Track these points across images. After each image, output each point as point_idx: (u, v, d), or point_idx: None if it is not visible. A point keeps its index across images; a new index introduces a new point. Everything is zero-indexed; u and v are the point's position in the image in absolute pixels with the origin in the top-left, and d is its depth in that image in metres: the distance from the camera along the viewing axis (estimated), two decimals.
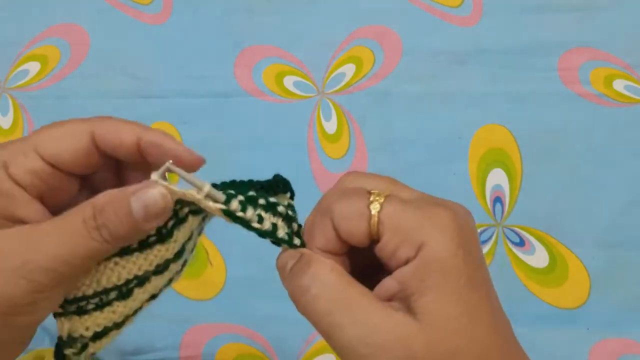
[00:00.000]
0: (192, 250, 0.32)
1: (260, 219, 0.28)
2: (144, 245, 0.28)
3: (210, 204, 0.27)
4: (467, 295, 0.25)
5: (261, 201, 0.28)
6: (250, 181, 0.30)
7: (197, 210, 0.29)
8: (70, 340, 0.29)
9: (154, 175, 0.26)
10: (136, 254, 0.28)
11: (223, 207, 0.27)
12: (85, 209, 0.26)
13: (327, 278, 0.27)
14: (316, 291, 0.27)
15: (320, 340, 0.51)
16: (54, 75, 0.60)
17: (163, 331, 0.50)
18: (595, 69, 0.58)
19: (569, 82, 0.58)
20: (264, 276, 0.51)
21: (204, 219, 0.31)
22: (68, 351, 0.29)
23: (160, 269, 0.29)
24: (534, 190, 0.55)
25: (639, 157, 0.55)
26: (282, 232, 0.29)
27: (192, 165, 0.28)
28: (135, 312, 0.31)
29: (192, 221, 0.29)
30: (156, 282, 0.30)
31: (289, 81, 0.60)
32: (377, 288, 0.27)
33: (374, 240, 0.27)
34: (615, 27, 0.60)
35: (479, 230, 0.53)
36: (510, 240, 0.53)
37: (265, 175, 0.57)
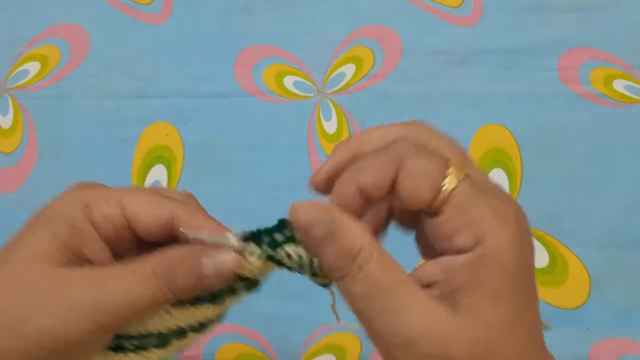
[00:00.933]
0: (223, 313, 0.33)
1: (300, 259, 0.28)
2: (196, 300, 0.29)
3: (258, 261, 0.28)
4: (516, 300, 0.24)
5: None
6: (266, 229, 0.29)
7: (250, 286, 0.30)
8: None
9: (230, 236, 0.28)
10: (187, 306, 0.29)
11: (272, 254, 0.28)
12: (156, 259, 0.27)
13: (368, 262, 0.25)
14: (355, 274, 0.25)
15: (320, 341, 0.51)
16: (54, 75, 0.60)
17: None
18: (595, 69, 0.58)
19: (569, 82, 0.58)
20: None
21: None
22: None
23: (199, 328, 0.30)
24: (534, 190, 0.55)
25: (639, 157, 0.55)
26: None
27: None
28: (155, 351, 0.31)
29: (242, 294, 0.30)
30: (191, 339, 0.31)
31: (289, 81, 0.60)
32: (419, 271, 0.25)
33: (429, 212, 0.25)
34: (615, 27, 0.60)
35: None
36: None
37: (265, 175, 0.57)
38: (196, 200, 0.32)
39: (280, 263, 0.28)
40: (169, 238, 0.29)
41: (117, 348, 0.29)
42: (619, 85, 0.57)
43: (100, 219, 0.28)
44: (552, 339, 0.50)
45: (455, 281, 0.24)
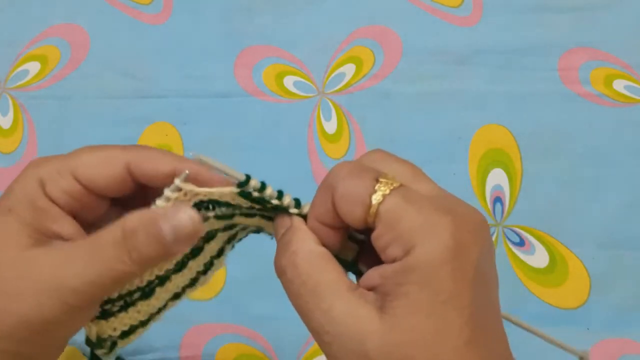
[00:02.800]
0: (219, 255, 0.33)
1: (280, 195, 0.29)
2: None
3: (228, 189, 0.28)
4: (442, 312, 0.24)
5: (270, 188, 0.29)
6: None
7: (222, 215, 0.29)
8: (100, 341, 0.30)
9: (177, 181, 0.27)
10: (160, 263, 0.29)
11: (237, 189, 0.28)
12: (115, 231, 0.26)
13: (302, 262, 0.27)
14: (290, 275, 0.27)
15: None
16: (54, 75, 0.60)
17: (163, 331, 0.50)
18: (595, 69, 0.58)
19: (569, 82, 0.58)
20: (264, 276, 0.50)
21: (232, 229, 0.32)
22: (99, 352, 0.30)
23: (179, 267, 0.30)
24: (534, 190, 0.55)
25: (639, 157, 0.55)
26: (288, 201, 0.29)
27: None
28: (160, 310, 0.32)
29: (214, 223, 0.30)
30: (176, 280, 0.31)
31: (289, 81, 0.60)
32: (364, 276, 0.27)
33: (370, 227, 0.27)
34: (615, 27, 0.60)
35: None
36: (510, 240, 0.53)
37: (265, 175, 0.57)
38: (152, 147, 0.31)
39: (246, 195, 0.28)
40: (134, 185, 0.29)
41: (107, 314, 0.29)
42: (619, 85, 0.57)
43: (58, 194, 0.28)
44: None
45: (385, 288, 0.25)
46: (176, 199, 0.27)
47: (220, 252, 0.33)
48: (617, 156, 0.55)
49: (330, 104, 0.58)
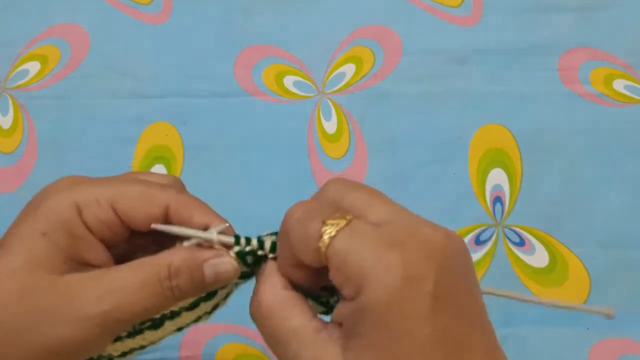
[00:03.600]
0: (225, 297, 0.34)
1: (261, 244, 0.30)
2: None
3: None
4: (396, 350, 0.24)
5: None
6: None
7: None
8: (100, 358, 0.30)
9: (214, 233, 0.29)
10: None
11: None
12: (161, 267, 0.28)
13: (266, 311, 0.27)
14: (258, 324, 0.28)
15: None
16: (54, 75, 0.60)
17: None
18: (595, 68, 0.58)
19: (569, 82, 0.58)
20: None
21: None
22: None
23: (191, 306, 0.31)
24: (534, 190, 0.55)
25: (639, 157, 0.55)
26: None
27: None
28: (161, 339, 0.33)
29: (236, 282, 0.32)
30: (186, 317, 0.32)
31: (289, 81, 0.60)
32: (334, 311, 0.27)
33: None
34: (615, 27, 0.60)
35: (478, 230, 0.53)
36: (510, 240, 0.53)
37: (265, 175, 0.57)
38: (182, 183, 0.32)
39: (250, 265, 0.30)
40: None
41: (116, 338, 0.30)
42: (619, 85, 0.57)
43: (95, 222, 0.28)
44: (552, 339, 0.50)
45: (346, 326, 0.26)
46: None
47: (227, 295, 0.34)
48: (617, 156, 0.55)
49: (330, 103, 0.58)
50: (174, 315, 0.31)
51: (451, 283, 0.25)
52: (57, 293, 0.27)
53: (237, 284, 0.34)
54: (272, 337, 0.27)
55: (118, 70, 0.60)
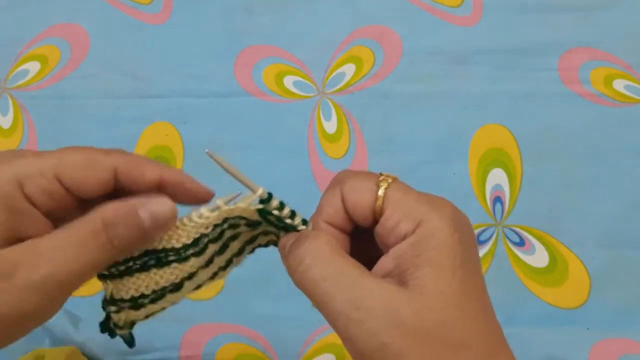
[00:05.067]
0: (238, 253, 0.34)
1: (293, 215, 0.31)
2: (199, 252, 0.31)
3: (250, 207, 0.30)
4: (461, 274, 0.26)
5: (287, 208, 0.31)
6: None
7: (252, 224, 0.32)
8: (112, 301, 0.30)
9: (220, 201, 0.30)
10: (193, 259, 0.30)
11: (258, 206, 0.30)
12: (95, 221, 0.27)
13: (321, 249, 0.28)
14: (310, 260, 0.28)
15: (320, 340, 0.51)
16: (54, 75, 0.60)
17: (163, 331, 0.50)
18: (595, 68, 0.58)
19: (569, 82, 0.58)
20: (264, 276, 0.51)
21: (255, 228, 0.33)
22: (110, 308, 0.31)
23: (206, 263, 0.32)
24: (534, 190, 0.55)
25: (639, 157, 0.55)
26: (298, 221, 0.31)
27: (204, 198, 0.31)
28: (175, 290, 0.32)
29: (243, 229, 0.32)
30: (201, 274, 0.32)
31: (289, 81, 0.60)
32: (374, 267, 0.28)
33: (377, 218, 0.29)
34: (615, 27, 0.60)
35: (478, 230, 0.53)
36: (510, 240, 0.53)
37: (265, 174, 0.57)
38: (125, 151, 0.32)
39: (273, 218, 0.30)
40: (110, 192, 0.29)
41: (101, 276, 0.30)
42: (619, 85, 0.57)
43: (39, 195, 0.28)
44: (552, 339, 0.50)
45: (403, 264, 0.27)
46: (209, 217, 0.30)
47: (241, 251, 0.34)
48: (617, 156, 0.55)
49: (330, 103, 0.58)
50: (191, 275, 0.31)
51: (474, 245, 0.29)
52: None
53: (252, 243, 0.34)
54: (328, 271, 0.27)
55: (118, 70, 0.60)
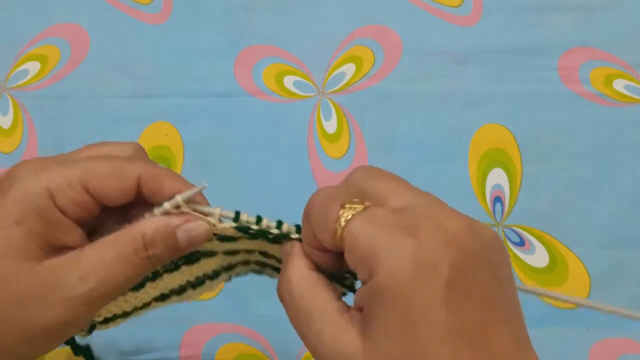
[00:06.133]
0: (212, 277, 0.35)
1: (279, 224, 0.30)
2: None
3: (224, 224, 0.30)
4: (413, 333, 0.24)
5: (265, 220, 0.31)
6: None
7: (226, 237, 0.31)
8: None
9: (179, 198, 0.29)
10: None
11: (234, 224, 0.30)
12: (136, 239, 0.29)
13: (295, 289, 0.28)
14: (286, 300, 0.28)
15: None
16: (54, 75, 0.60)
17: (163, 331, 0.50)
18: (595, 68, 0.58)
19: (569, 82, 0.58)
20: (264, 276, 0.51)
21: (233, 255, 0.34)
22: (78, 334, 0.31)
23: (171, 268, 0.32)
24: (534, 190, 0.55)
25: (639, 157, 0.55)
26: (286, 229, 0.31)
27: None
28: (144, 306, 0.33)
29: (216, 245, 0.32)
30: (167, 280, 0.32)
31: (289, 81, 0.60)
32: (356, 295, 0.27)
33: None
34: (615, 27, 0.60)
35: None
36: (510, 240, 0.53)
37: (265, 175, 0.57)
38: (143, 150, 0.33)
39: (245, 230, 0.30)
40: (132, 201, 0.30)
41: None
42: (619, 85, 0.57)
43: (69, 205, 0.28)
44: (552, 339, 0.50)
45: (364, 310, 0.26)
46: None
47: (215, 275, 0.35)
48: (617, 156, 0.55)
49: (330, 103, 0.58)
50: (154, 275, 0.32)
51: (472, 272, 0.24)
52: (39, 279, 0.27)
53: (230, 271, 0.35)
54: (298, 314, 0.28)
55: (118, 70, 0.60)
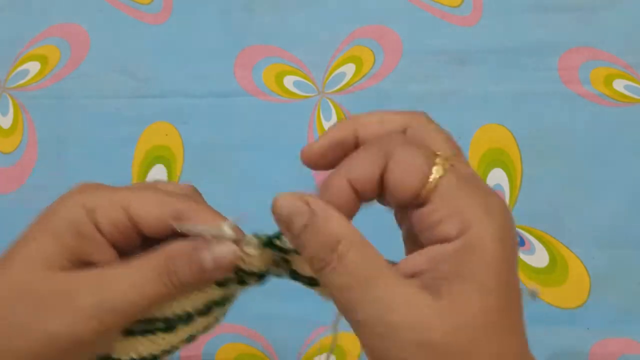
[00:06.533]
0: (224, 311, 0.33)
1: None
2: None
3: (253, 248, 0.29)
4: (500, 293, 0.24)
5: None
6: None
7: (254, 277, 0.31)
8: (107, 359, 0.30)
9: (226, 227, 0.28)
10: (195, 291, 0.30)
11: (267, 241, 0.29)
12: (158, 257, 0.28)
13: (348, 251, 0.25)
14: (335, 265, 0.25)
15: (320, 340, 0.51)
16: (54, 75, 0.60)
17: None
18: (595, 68, 0.58)
19: (569, 82, 0.58)
20: None
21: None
22: None
23: (205, 310, 0.31)
24: (534, 190, 0.55)
25: (639, 157, 0.55)
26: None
27: None
28: (171, 351, 0.32)
29: (249, 283, 0.31)
30: (198, 324, 0.31)
31: (289, 81, 0.60)
32: (403, 263, 0.25)
33: (416, 203, 0.25)
34: (615, 27, 0.60)
35: None
36: None
37: (265, 175, 0.57)
38: (198, 192, 0.32)
39: (276, 247, 0.29)
40: (174, 233, 0.29)
41: (127, 332, 0.30)
42: (619, 85, 0.57)
43: (106, 224, 0.28)
44: (552, 339, 0.50)
45: (439, 270, 0.24)
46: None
47: (208, 309, 0.33)
48: (617, 156, 0.55)
49: (330, 103, 0.58)
50: (188, 319, 0.31)
51: (517, 242, 0.26)
52: (55, 286, 0.27)
53: (247, 281, 0.33)
54: (354, 279, 0.24)
55: (118, 70, 0.60)
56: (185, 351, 0.50)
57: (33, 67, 0.61)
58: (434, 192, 0.25)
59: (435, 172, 0.25)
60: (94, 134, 0.58)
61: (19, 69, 0.61)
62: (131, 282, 0.27)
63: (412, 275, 0.25)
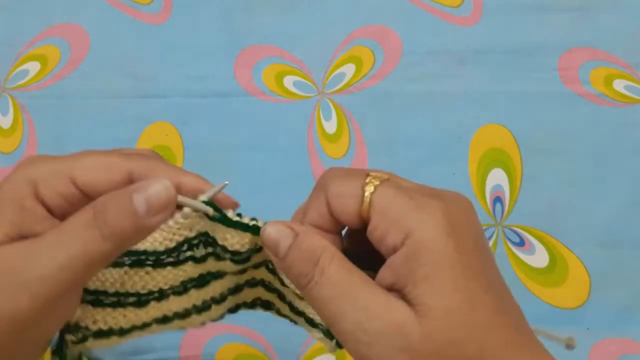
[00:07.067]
0: (218, 302, 0.33)
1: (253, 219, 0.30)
2: (178, 262, 0.29)
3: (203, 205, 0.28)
4: (465, 284, 0.25)
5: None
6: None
7: (238, 259, 0.30)
8: (75, 328, 0.29)
9: (203, 197, 0.28)
10: (169, 268, 0.29)
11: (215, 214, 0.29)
12: (86, 211, 0.25)
13: (330, 265, 0.26)
14: (318, 279, 0.26)
15: None
16: (54, 75, 0.60)
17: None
18: (595, 68, 0.58)
19: (569, 82, 0.58)
20: None
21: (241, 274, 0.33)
22: (68, 336, 0.29)
23: (180, 290, 0.30)
24: (534, 190, 0.55)
25: (639, 157, 0.55)
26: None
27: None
28: (144, 327, 0.31)
29: (228, 266, 0.31)
30: (172, 303, 0.31)
31: (289, 81, 0.60)
32: (376, 279, 0.26)
33: (365, 222, 0.27)
34: (615, 27, 0.60)
35: None
36: (510, 240, 0.53)
37: (265, 175, 0.57)
38: (158, 154, 0.31)
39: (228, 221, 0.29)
40: None
41: (95, 302, 0.29)
42: (619, 85, 0.57)
43: (51, 196, 0.27)
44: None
45: (400, 280, 0.25)
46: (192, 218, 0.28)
47: (222, 299, 0.33)
48: (617, 156, 0.55)
49: (330, 103, 0.58)
50: (161, 296, 0.30)
51: (481, 238, 0.27)
52: None
53: (236, 292, 0.34)
54: (336, 291, 0.26)
55: (118, 70, 0.60)
56: (185, 351, 0.50)
57: (33, 67, 0.61)
58: (371, 208, 0.26)
59: (367, 190, 0.26)
60: (94, 134, 0.58)
61: (19, 69, 0.61)
62: (59, 245, 0.25)
63: (389, 290, 0.26)
